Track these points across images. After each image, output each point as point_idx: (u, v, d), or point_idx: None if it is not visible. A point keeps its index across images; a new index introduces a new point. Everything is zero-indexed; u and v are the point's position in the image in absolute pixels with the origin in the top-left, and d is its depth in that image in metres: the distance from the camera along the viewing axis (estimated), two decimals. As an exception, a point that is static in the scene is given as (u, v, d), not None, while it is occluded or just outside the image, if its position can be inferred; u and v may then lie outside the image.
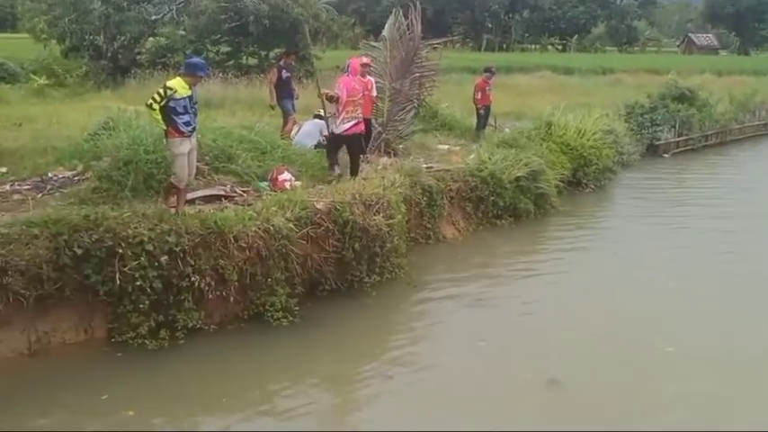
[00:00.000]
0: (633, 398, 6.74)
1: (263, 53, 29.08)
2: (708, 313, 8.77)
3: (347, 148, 10.37)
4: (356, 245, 8.65)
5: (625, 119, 19.60)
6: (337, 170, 10.30)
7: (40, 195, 8.82)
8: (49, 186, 9.19)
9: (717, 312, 8.80)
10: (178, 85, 7.83)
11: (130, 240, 7.14)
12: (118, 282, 7.07)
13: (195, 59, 8.68)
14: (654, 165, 18.77)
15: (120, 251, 7.08)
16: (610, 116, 17.93)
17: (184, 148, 7.98)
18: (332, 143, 10.54)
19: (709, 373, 7.31)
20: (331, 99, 9.99)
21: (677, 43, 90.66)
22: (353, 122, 10.07)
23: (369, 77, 10.72)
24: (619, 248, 11.37)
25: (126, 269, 7.09)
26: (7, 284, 6.66)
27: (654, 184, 16.74)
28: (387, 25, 12.47)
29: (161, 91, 7.76)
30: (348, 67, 10.33)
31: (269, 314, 7.86)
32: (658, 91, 21.66)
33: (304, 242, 8.33)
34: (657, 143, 19.81)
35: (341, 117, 9.98)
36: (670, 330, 8.20)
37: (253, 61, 29.18)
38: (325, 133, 12.20)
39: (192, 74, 7.95)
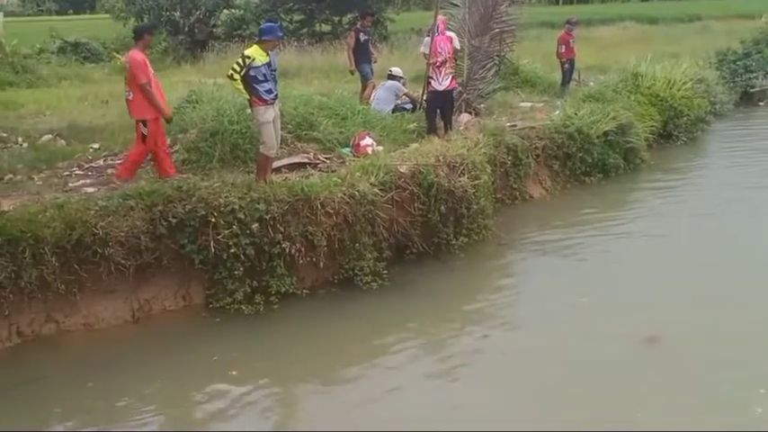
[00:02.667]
0: (736, 354, 6.42)
1: (335, 19, 28.90)
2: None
3: (442, 104, 10.44)
4: (442, 207, 8.54)
5: (716, 67, 18.64)
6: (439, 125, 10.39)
7: (132, 168, 9.06)
8: (140, 160, 9.42)
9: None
10: (255, 52, 7.85)
11: (222, 209, 7.26)
12: (212, 250, 7.21)
13: (266, 24, 8.69)
14: (749, 113, 17.80)
15: (213, 220, 7.20)
16: (700, 65, 17.06)
17: (269, 115, 8.00)
18: (433, 102, 10.56)
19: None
20: (443, 63, 10.17)
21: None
22: (451, 77, 10.32)
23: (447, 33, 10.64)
24: (714, 202, 10.82)
25: (219, 237, 7.21)
26: (109, 255, 6.89)
27: (750, 133, 15.86)
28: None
29: (240, 60, 7.81)
30: (439, 26, 10.42)
31: (358, 278, 7.88)
32: (751, 36, 20.43)
33: (389, 206, 8.27)
34: (752, 91, 18.73)
35: (442, 74, 10.19)
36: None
37: (326, 28, 29.06)
38: (402, 93, 12.07)
39: (265, 39, 7.94)
